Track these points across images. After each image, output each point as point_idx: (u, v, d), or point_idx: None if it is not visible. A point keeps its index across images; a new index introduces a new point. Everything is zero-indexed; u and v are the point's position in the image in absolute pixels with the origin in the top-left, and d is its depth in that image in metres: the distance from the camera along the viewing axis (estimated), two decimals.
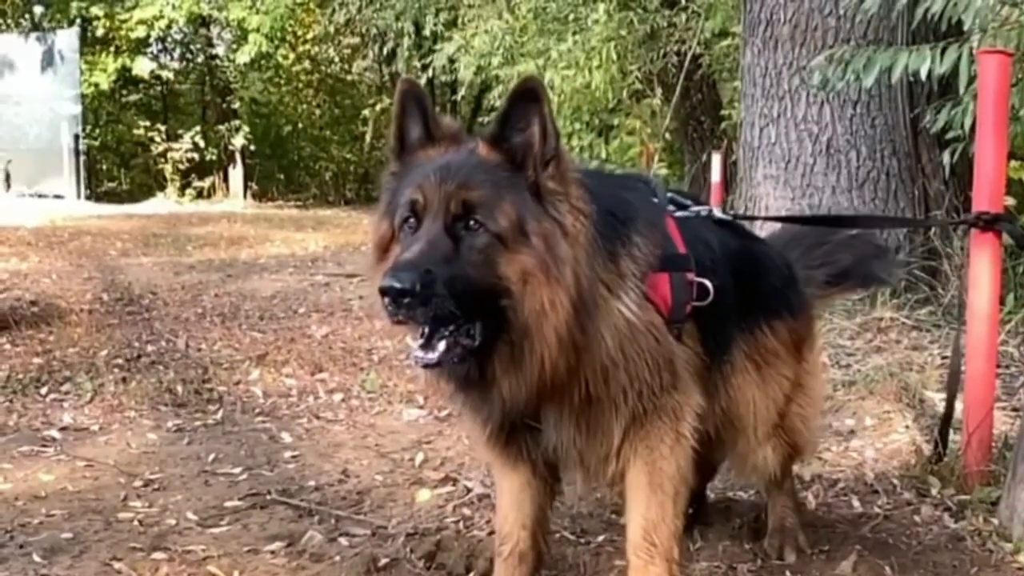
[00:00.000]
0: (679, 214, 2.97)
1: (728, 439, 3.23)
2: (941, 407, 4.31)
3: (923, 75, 5.74)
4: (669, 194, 3.04)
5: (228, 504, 3.91)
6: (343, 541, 3.51)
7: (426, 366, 2.46)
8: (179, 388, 5.70)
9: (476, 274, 2.39)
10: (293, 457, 4.54)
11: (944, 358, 5.67)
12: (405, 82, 2.69)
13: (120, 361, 6.45)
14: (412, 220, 2.49)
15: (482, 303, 2.41)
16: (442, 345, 2.42)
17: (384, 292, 2.31)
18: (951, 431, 4.11)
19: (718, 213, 3.23)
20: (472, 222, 2.42)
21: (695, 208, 3.09)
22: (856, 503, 3.84)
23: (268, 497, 3.97)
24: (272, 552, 3.41)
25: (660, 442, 2.76)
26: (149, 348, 6.91)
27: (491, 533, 3.51)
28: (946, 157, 6.71)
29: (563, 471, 2.96)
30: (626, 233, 2.66)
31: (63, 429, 5.00)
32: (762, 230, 7.60)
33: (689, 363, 2.83)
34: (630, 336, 2.63)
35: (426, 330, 2.43)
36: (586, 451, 2.78)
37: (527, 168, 2.47)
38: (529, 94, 2.47)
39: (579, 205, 2.50)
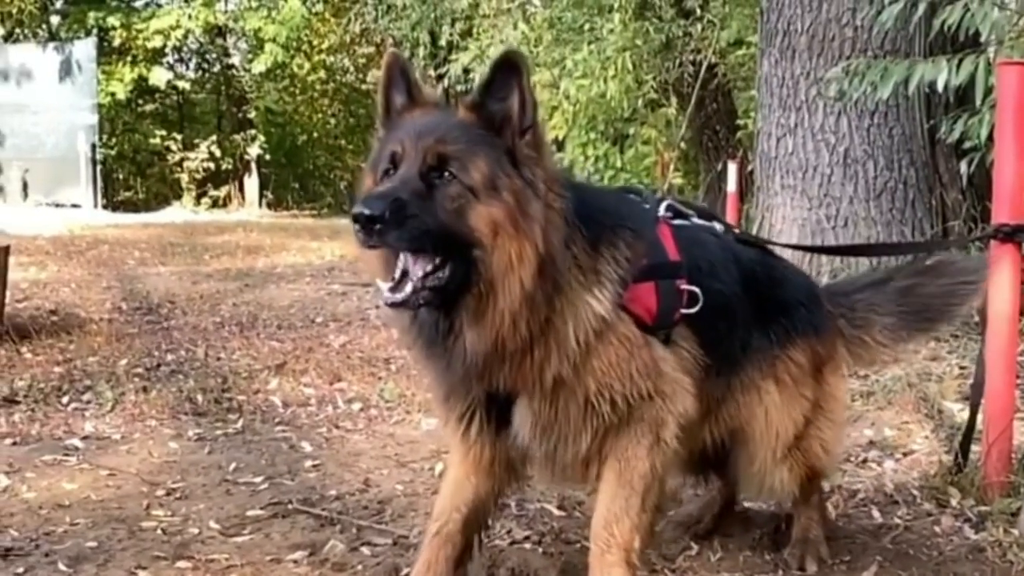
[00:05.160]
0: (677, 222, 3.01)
1: (741, 456, 3.25)
2: (960, 418, 4.31)
3: (940, 86, 5.76)
4: (668, 202, 3.06)
5: (250, 513, 3.92)
6: (365, 550, 3.52)
7: (393, 305, 2.55)
8: (199, 397, 5.72)
9: (447, 219, 2.48)
10: (314, 466, 4.56)
11: (962, 368, 5.68)
12: (391, 55, 2.81)
13: (140, 370, 6.48)
14: (392, 170, 2.59)
15: (451, 248, 2.50)
16: (409, 287, 2.51)
17: (355, 218, 2.43)
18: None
19: (717, 227, 3.21)
20: (446, 173, 2.52)
21: (696, 221, 3.12)
22: (876, 514, 3.84)
23: (289, 506, 3.99)
24: (295, 561, 3.43)
25: (637, 443, 2.81)
26: (169, 357, 6.94)
27: (513, 543, 3.54)
28: (963, 167, 6.73)
29: (529, 469, 3.02)
30: (611, 235, 2.73)
31: (85, 438, 5.02)
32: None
33: (679, 368, 2.84)
34: (599, 333, 2.67)
35: (397, 273, 2.52)
36: (555, 449, 2.81)
37: (504, 134, 2.56)
38: (510, 65, 2.57)
39: (552, 174, 2.61)
